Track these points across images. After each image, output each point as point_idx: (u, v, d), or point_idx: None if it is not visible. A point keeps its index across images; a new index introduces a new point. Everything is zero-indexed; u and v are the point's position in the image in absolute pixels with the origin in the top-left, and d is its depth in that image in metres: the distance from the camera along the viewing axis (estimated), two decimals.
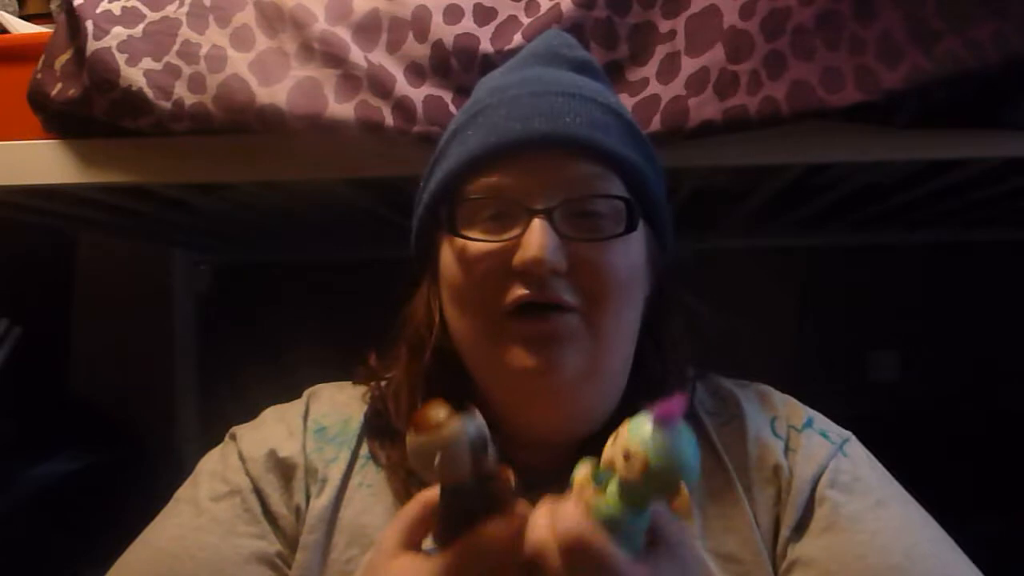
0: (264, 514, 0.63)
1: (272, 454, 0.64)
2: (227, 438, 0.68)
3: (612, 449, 0.47)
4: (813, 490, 0.62)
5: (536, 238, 0.56)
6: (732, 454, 0.65)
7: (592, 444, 0.52)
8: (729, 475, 0.63)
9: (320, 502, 0.62)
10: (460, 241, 0.59)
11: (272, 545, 0.62)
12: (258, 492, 0.63)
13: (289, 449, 0.65)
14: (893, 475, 0.66)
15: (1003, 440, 1.57)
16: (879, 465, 0.66)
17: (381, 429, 0.66)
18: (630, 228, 0.59)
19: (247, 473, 0.64)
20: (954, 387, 1.75)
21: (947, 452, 1.53)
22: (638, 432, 0.46)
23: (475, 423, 0.48)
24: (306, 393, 0.71)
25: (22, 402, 1.39)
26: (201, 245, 1.73)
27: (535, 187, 0.58)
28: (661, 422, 0.45)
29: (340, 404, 0.69)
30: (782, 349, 1.72)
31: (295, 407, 0.69)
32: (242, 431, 0.68)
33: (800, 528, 0.61)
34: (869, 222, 1.53)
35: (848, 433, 0.67)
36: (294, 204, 1.23)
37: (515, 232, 0.58)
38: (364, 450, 0.66)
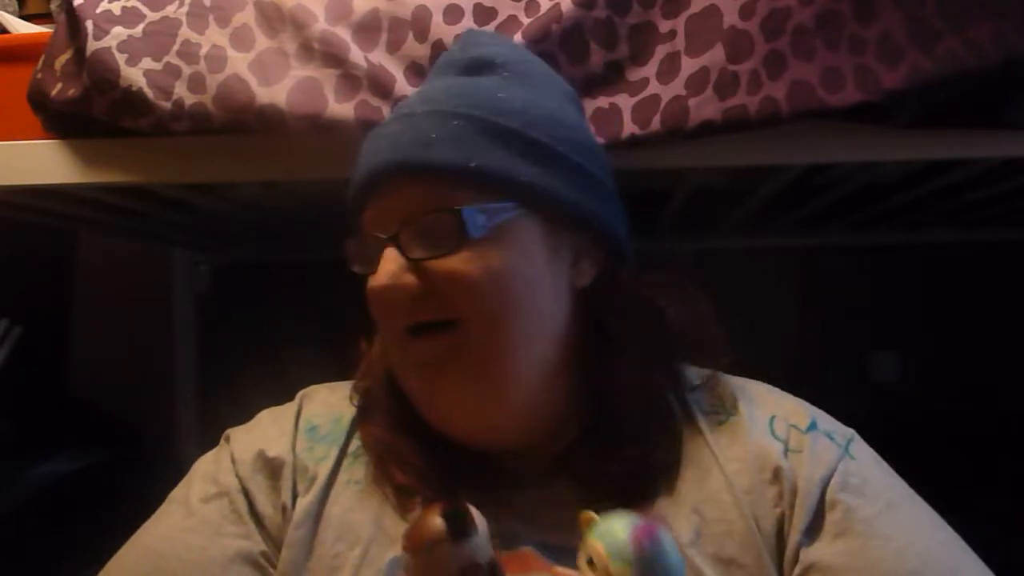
0: (250, 514, 0.63)
1: (261, 454, 0.65)
2: (222, 440, 0.69)
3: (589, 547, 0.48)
4: (823, 493, 0.61)
5: (382, 267, 0.60)
6: (728, 455, 0.64)
7: (566, 443, 0.63)
8: (726, 478, 0.63)
9: (307, 499, 0.63)
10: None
11: (257, 545, 0.62)
12: (245, 492, 0.64)
13: (278, 448, 0.65)
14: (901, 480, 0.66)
15: (1004, 441, 1.57)
16: (883, 462, 0.66)
17: (367, 410, 0.67)
18: (463, 238, 0.59)
19: (236, 474, 0.64)
20: (954, 387, 1.74)
21: (947, 452, 1.52)
22: (615, 549, 0.46)
23: (470, 544, 0.48)
24: (300, 394, 0.72)
25: (22, 402, 1.39)
26: (201, 245, 1.73)
27: (383, 216, 0.62)
28: (640, 544, 0.45)
29: (332, 404, 0.70)
30: (782, 349, 1.72)
31: (288, 408, 0.70)
32: (236, 433, 0.69)
33: (811, 532, 0.60)
34: (869, 222, 1.53)
35: (851, 431, 0.67)
36: (294, 204, 1.23)
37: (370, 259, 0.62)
38: (353, 447, 0.67)
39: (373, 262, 0.61)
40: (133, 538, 0.65)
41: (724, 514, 0.62)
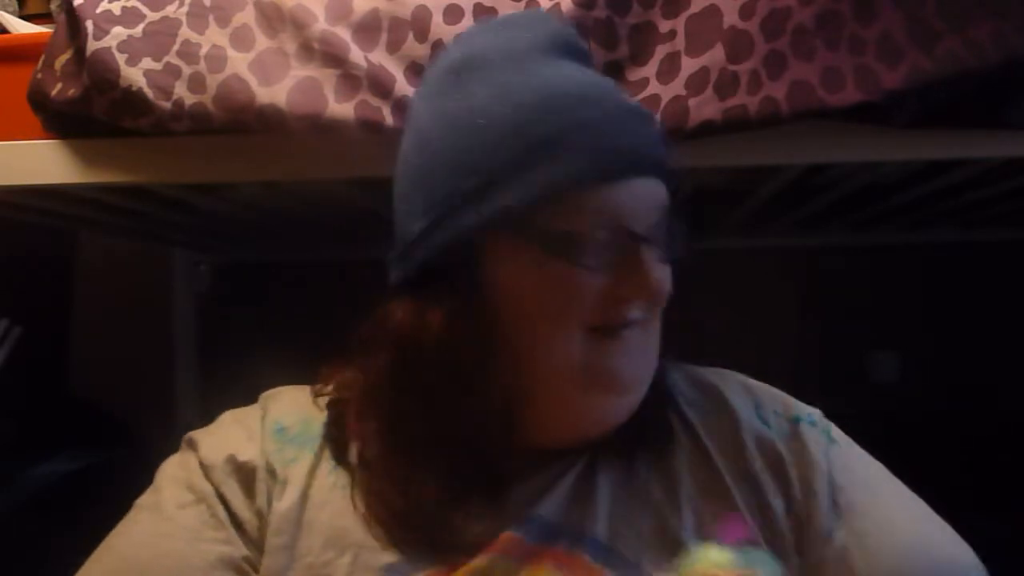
0: (229, 519, 0.62)
1: (231, 459, 0.64)
2: (184, 444, 0.67)
3: None
4: (822, 479, 0.63)
5: (655, 268, 0.59)
6: (720, 445, 0.65)
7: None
8: (716, 466, 0.64)
9: (283, 504, 0.62)
10: (558, 264, 0.58)
11: (238, 550, 0.61)
12: (221, 498, 0.63)
13: (248, 453, 0.64)
14: (893, 475, 0.67)
15: (1004, 441, 1.57)
16: (851, 440, 0.69)
17: (339, 442, 0.65)
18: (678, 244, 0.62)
19: (209, 480, 0.63)
20: (954, 387, 1.74)
21: (947, 452, 1.53)
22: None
23: None
24: (262, 397, 0.71)
25: (22, 402, 1.39)
26: (201, 245, 1.73)
27: (635, 213, 0.59)
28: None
29: (301, 404, 0.68)
30: (782, 349, 1.72)
31: (252, 410, 0.69)
32: (200, 436, 0.67)
33: (833, 518, 0.62)
34: (869, 222, 1.53)
35: (819, 412, 0.69)
36: (294, 204, 1.23)
37: (616, 256, 0.59)
38: (328, 453, 0.65)
39: (600, 251, 0.58)
40: (103, 547, 0.63)
41: (716, 504, 0.62)
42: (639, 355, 0.62)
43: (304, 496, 0.62)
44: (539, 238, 0.58)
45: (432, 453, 0.61)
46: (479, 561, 0.58)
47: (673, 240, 0.61)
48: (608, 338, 0.60)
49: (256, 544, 0.62)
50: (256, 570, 0.61)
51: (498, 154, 0.58)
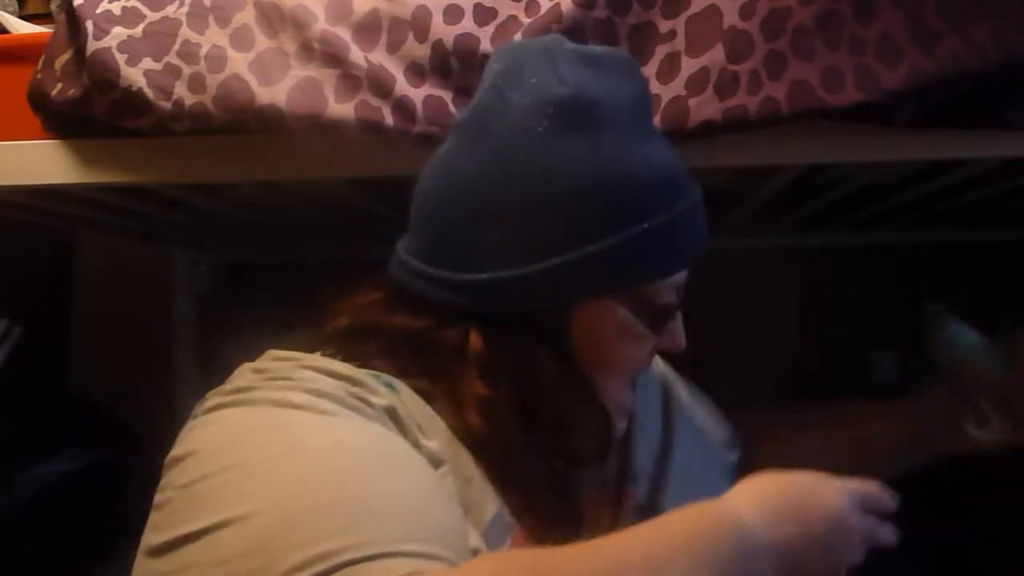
0: None
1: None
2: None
3: None
4: None
5: (681, 330, 0.68)
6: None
7: None
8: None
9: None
10: (641, 328, 0.64)
11: None
12: None
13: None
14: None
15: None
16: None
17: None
18: None
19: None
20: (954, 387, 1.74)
21: (946, 452, 1.52)
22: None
23: None
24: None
25: (22, 402, 1.39)
26: (201, 245, 1.73)
27: (678, 287, 0.66)
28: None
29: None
30: (782, 349, 1.72)
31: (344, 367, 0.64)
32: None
33: None
34: (869, 222, 1.53)
35: None
36: (294, 204, 1.23)
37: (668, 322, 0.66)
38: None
39: (659, 324, 0.65)
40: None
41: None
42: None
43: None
44: (632, 304, 0.63)
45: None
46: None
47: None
48: (630, 376, 0.68)
49: None
50: None
51: (611, 223, 0.59)
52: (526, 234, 0.60)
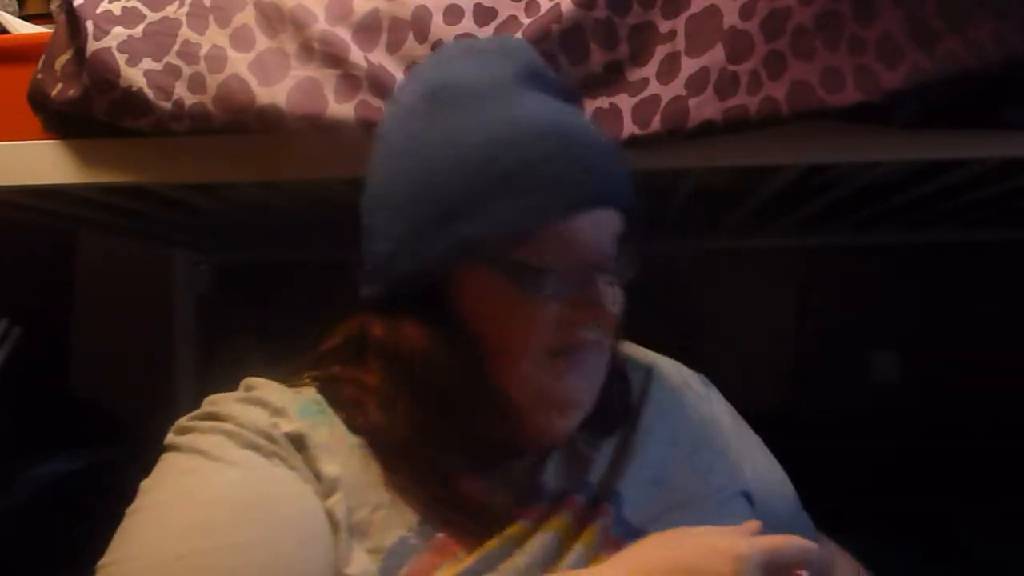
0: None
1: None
2: None
3: None
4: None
5: (607, 294, 0.62)
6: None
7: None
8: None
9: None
10: (522, 294, 0.60)
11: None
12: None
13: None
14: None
15: (1003, 441, 1.57)
16: None
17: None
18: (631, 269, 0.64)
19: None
20: (954, 388, 1.74)
21: (946, 452, 1.53)
22: None
23: None
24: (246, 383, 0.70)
25: (22, 402, 1.39)
26: (201, 245, 1.73)
27: (595, 243, 0.62)
28: None
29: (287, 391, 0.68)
30: (782, 349, 1.72)
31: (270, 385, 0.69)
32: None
33: None
34: (869, 222, 1.53)
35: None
36: (294, 204, 1.23)
37: (573, 283, 0.61)
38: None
39: (558, 280, 0.61)
40: None
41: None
42: (592, 374, 0.65)
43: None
44: (505, 268, 0.60)
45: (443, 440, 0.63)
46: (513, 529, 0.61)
47: (624, 264, 0.64)
48: (564, 360, 0.62)
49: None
50: None
51: (466, 185, 0.60)
52: (393, 212, 0.63)
